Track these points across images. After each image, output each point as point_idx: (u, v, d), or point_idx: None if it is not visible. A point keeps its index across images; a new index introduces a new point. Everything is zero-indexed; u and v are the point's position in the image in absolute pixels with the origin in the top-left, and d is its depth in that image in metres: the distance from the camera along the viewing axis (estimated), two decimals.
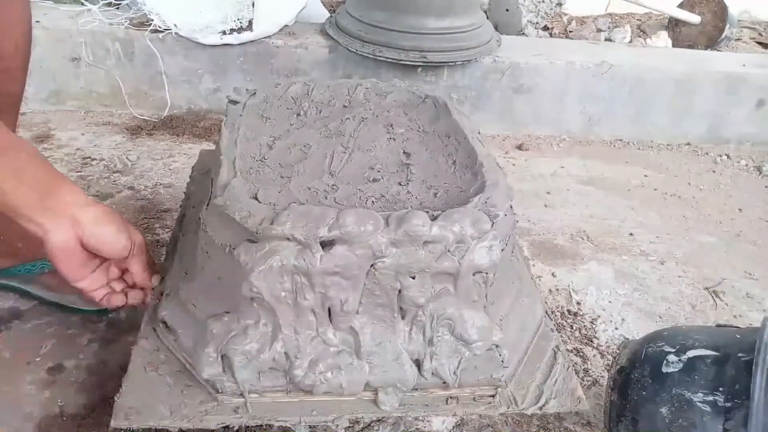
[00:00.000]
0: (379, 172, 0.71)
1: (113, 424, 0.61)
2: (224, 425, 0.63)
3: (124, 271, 0.72)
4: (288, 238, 0.58)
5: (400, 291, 0.61)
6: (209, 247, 0.65)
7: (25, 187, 0.60)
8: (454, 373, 0.64)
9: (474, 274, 0.62)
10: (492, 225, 0.62)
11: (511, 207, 0.70)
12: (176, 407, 0.63)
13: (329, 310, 0.61)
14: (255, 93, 0.85)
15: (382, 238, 0.58)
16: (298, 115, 0.83)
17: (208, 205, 0.66)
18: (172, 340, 0.68)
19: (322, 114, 0.84)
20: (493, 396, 0.66)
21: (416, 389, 0.65)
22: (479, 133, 0.82)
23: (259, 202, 0.63)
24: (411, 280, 0.60)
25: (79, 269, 0.66)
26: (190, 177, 0.93)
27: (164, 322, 0.69)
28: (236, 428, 0.64)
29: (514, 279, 0.74)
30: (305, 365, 0.62)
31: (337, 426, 0.63)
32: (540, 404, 0.66)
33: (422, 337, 0.64)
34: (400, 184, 0.68)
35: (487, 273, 0.62)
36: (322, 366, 0.62)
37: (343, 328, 0.62)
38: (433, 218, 0.60)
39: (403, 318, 0.63)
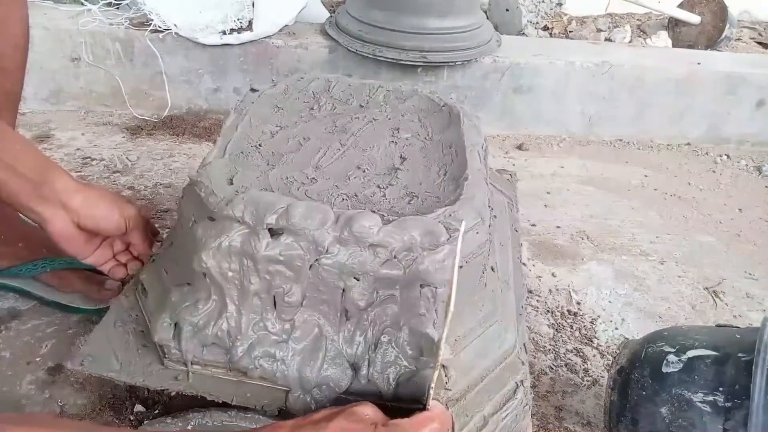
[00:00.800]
0: (364, 172, 0.70)
1: (69, 365, 0.65)
2: (163, 389, 0.64)
3: (128, 244, 0.76)
4: (239, 221, 0.59)
5: (344, 291, 0.60)
6: (181, 219, 0.68)
7: (19, 177, 0.63)
8: (390, 384, 0.61)
9: (422, 287, 0.60)
10: (448, 239, 0.60)
11: (489, 226, 0.67)
12: (126, 363, 0.65)
13: (275, 298, 0.61)
14: (276, 84, 0.86)
15: (328, 234, 0.58)
16: (312, 109, 0.83)
17: None
18: (145, 302, 0.69)
19: (335, 111, 0.83)
20: None
21: (350, 393, 0.62)
22: (484, 146, 0.80)
23: (231, 184, 0.64)
24: (355, 281, 0.59)
25: (83, 248, 0.71)
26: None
27: (142, 284, 0.71)
28: (172, 393, 0.65)
29: (484, 302, 0.71)
30: (245, 347, 0.61)
31: (266, 413, 0.62)
32: None
33: (364, 342, 0.62)
34: (378, 186, 0.68)
35: (436, 287, 0.60)
36: (259, 351, 0.61)
37: (286, 318, 0.62)
38: (387, 223, 0.59)
39: (348, 319, 0.62)
